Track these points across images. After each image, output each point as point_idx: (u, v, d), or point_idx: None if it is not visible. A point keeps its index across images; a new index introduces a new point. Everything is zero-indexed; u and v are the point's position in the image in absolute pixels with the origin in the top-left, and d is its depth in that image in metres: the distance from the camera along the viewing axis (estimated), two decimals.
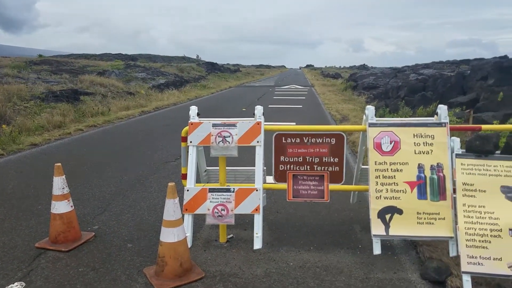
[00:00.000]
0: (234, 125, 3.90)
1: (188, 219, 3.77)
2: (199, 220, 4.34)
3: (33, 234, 4.21)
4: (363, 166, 4.28)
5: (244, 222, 4.44)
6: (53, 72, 22.45)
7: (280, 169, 4.00)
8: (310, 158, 3.96)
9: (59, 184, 3.93)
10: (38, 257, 3.73)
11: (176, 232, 3.24)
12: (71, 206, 4.00)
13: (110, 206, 5.07)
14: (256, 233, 3.66)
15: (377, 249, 3.51)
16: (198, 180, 4.23)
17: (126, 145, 8.89)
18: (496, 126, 4.19)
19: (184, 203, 3.75)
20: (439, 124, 3.66)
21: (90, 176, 6.38)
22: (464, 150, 3.51)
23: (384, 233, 3.50)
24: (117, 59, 46.27)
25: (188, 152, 3.92)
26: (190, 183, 3.83)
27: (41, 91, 14.80)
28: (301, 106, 17.70)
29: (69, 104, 13.48)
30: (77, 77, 20.58)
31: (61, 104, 13.26)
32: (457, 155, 3.48)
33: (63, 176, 3.97)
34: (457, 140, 3.54)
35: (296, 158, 3.98)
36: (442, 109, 3.71)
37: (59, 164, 3.99)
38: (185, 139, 3.98)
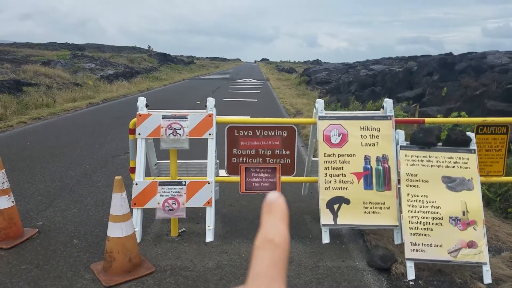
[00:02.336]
0: (185, 117, 3.84)
1: (137, 214, 3.68)
2: (149, 215, 4.26)
3: None
4: (313, 158, 4.36)
5: (197, 215, 4.40)
6: None
7: (233, 161, 3.99)
8: (263, 151, 3.98)
9: None
10: None
11: (124, 227, 3.16)
12: (12, 202, 3.82)
13: (55, 201, 4.85)
14: (208, 226, 3.64)
15: (326, 238, 3.60)
16: (148, 174, 4.13)
17: (73, 139, 8.53)
18: (439, 119, 4.39)
19: (132, 198, 3.65)
20: (385, 117, 3.79)
21: (33, 171, 6.06)
22: (408, 142, 3.66)
23: (333, 223, 3.60)
24: (63, 48, 44.15)
25: (136, 145, 3.82)
26: (139, 177, 3.73)
27: None
28: (256, 100, 17.75)
29: (11, 95, 12.69)
30: (19, 67, 19.42)
31: (2, 95, 12.47)
32: (402, 147, 3.62)
33: (3, 170, 3.77)
34: (401, 133, 3.69)
35: (249, 151, 3.98)
36: (388, 103, 3.84)
37: None
38: (133, 132, 3.86)
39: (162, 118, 3.82)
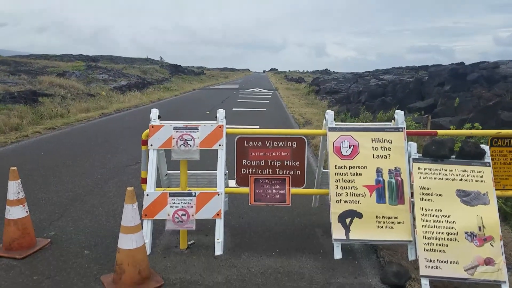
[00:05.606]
0: (196, 128, 3.85)
1: (147, 225, 3.67)
2: (159, 226, 4.24)
3: None
4: (324, 170, 4.32)
5: (206, 227, 4.37)
6: (11, 72, 21.61)
7: (242, 172, 3.98)
8: (272, 162, 3.96)
9: (14, 188, 3.76)
10: None
11: (134, 239, 3.14)
12: (26, 212, 3.84)
13: (67, 211, 4.88)
14: (218, 239, 3.61)
15: (338, 254, 3.51)
16: (158, 185, 4.13)
17: (85, 149, 8.61)
18: (451, 131, 4.33)
19: (143, 208, 3.65)
20: (396, 129, 3.74)
21: (47, 181, 6.12)
22: (421, 155, 3.60)
23: (345, 237, 3.52)
24: (78, 60, 44.98)
25: (148, 155, 3.83)
26: (150, 188, 3.73)
27: None
28: (265, 109, 17.77)
29: (27, 105, 12.92)
30: (36, 78, 19.82)
31: (19, 105, 12.70)
32: (414, 160, 3.56)
33: (19, 180, 3.80)
34: (414, 145, 3.63)
35: (258, 162, 3.96)
36: (399, 114, 3.80)
37: (15, 168, 3.81)
38: (145, 142, 3.89)
39: (174, 129, 3.84)
